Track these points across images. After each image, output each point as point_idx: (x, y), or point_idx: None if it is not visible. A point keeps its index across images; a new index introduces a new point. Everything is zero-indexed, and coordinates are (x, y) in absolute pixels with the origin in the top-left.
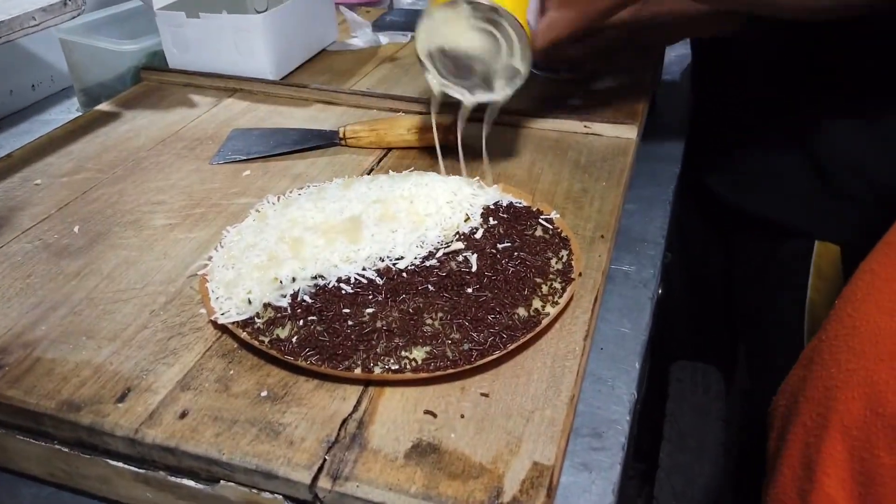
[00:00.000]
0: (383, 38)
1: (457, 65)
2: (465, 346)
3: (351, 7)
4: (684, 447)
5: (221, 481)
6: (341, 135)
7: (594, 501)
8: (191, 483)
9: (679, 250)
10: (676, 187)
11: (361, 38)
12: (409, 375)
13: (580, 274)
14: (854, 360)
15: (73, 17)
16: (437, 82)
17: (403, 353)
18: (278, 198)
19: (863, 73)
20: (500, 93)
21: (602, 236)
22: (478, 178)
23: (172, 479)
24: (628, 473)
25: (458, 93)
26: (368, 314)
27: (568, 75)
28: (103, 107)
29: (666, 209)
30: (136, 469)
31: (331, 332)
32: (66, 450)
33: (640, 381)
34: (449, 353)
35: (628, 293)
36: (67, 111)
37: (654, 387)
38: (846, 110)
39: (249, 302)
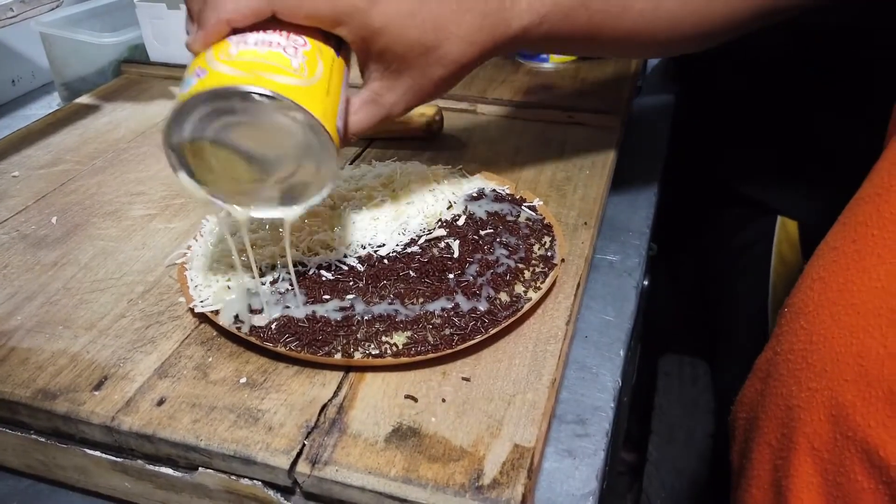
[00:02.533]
0: None
1: (227, 162)
2: (447, 331)
3: None
4: (672, 439)
5: (200, 468)
6: None
7: (578, 487)
8: (169, 471)
9: (666, 244)
10: (661, 179)
11: None
12: (389, 360)
13: (563, 260)
14: (815, 378)
15: (52, 9)
16: (193, 187)
17: (384, 339)
18: None
19: (822, 64)
20: (288, 209)
21: (585, 223)
22: (461, 166)
23: (151, 467)
24: (617, 469)
25: (221, 201)
26: (349, 300)
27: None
28: (83, 99)
29: (651, 200)
30: (113, 458)
31: (310, 318)
32: (43, 440)
33: (624, 368)
34: (430, 338)
35: (613, 282)
36: (48, 106)
37: (644, 381)
38: (804, 94)
39: (228, 289)
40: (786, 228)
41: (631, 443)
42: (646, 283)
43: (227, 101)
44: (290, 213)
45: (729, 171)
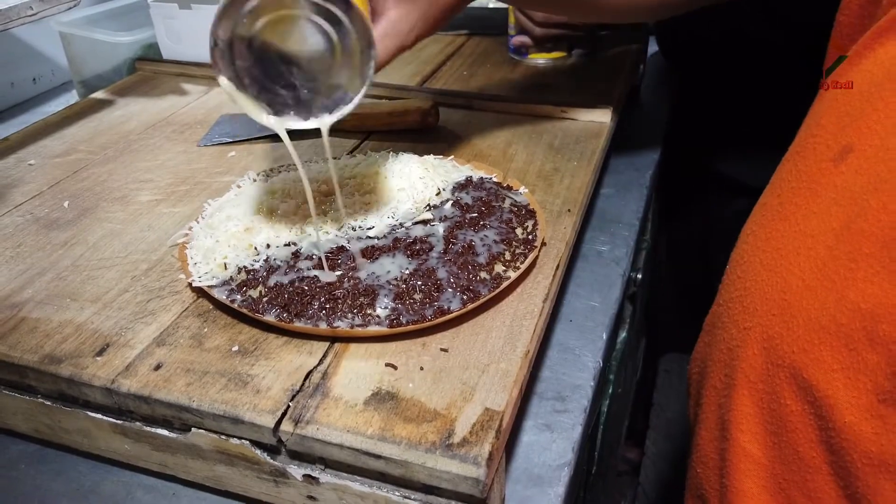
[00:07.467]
0: None
1: (265, 69)
2: (428, 305)
3: None
4: (669, 435)
5: (192, 429)
6: None
7: (554, 458)
8: (164, 432)
9: (664, 244)
10: (657, 174)
11: None
12: (372, 331)
13: (544, 243)
14: (749, 318)
15: (70, 8)
16: (229, 87)
17: (368, 311)
18: (258, 174)
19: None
20: (319, 119)
21: (569, 210)
22: (452, 157)
23: (148, 428)
24: (618, 469)
25: (252, 108)
26: (337, 276)
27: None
28: (98, 94)
29: (642, 193)
30: (113, 420)
31: (300, 292)
32: (49, 403)
33: (606, 351)
34: (411, 311)
35: (600, 270)
36: (67, 104)
37: (647, 380)
38: (801, 80)
39: (225, 266)
40: None
41: (634, 440)
42: (639, 276)
43: None
44: (324, 123)
45: (734, 164)
